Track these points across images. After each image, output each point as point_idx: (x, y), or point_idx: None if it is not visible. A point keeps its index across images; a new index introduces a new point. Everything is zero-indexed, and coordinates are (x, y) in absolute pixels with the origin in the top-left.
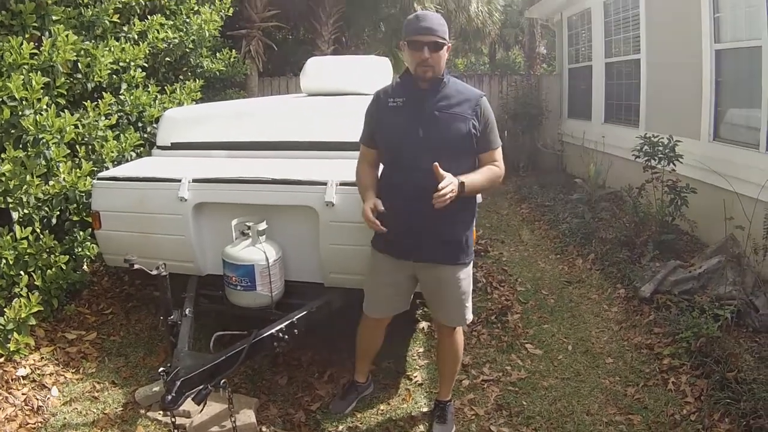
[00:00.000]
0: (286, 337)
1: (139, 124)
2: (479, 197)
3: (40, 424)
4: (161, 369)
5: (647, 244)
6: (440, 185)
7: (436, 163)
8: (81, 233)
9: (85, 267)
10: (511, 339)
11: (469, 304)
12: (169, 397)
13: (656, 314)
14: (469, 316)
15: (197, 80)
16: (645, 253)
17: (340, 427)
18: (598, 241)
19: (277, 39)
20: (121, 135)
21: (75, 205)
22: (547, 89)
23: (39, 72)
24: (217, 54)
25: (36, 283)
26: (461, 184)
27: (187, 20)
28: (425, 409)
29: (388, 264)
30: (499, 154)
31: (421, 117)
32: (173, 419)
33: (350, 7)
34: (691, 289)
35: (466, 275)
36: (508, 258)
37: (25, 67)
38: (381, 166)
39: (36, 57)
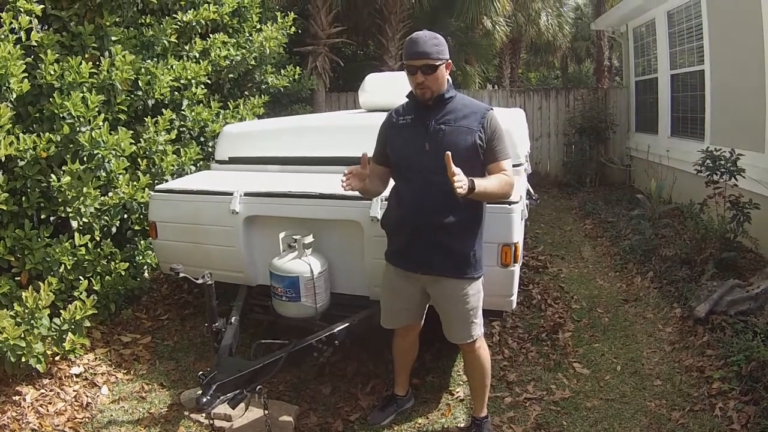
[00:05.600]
0: (326, 347)
1: (201, 139)
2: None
3: (87, 419)
4: (200, 372)
5: (708, 261)
6: (454, 178)
7: (449, 152)
8: (142, 242)
9: (145, 274)
10: (560, 357)
11: (478, 320)
12: (204, 399)
13: (710, 335)
14: (477, 333)
15: (261, 96)
16: (705, 271)
17: None
18: (657, 259)
19: (347, 55)
20: (182, 149)
21: (135, 216)
22: (615, 103)
23: (96, 91)
24: (282, 70)
25: (95, 287)
26: (471, 181)
27: (250, 38)
28: (463, 425)
29: (398, 276)
30: (507, 165)
31: (426, 131)
32: (211, 421)
33: (417, 23)
34: (748, 309)
35: (474, 291)
36: (566, 275)
37: (85, 85)
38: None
39: (95, 76)
